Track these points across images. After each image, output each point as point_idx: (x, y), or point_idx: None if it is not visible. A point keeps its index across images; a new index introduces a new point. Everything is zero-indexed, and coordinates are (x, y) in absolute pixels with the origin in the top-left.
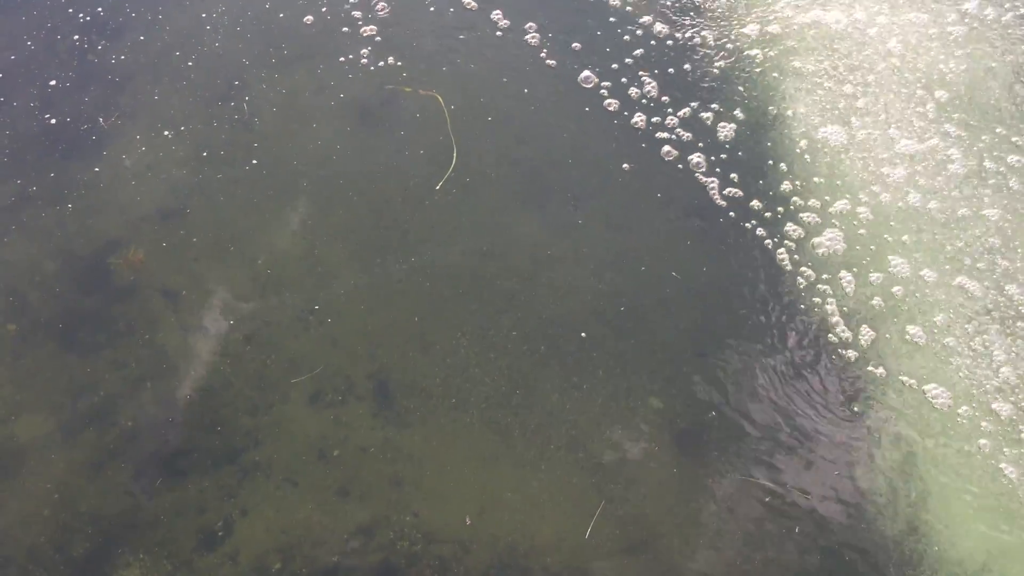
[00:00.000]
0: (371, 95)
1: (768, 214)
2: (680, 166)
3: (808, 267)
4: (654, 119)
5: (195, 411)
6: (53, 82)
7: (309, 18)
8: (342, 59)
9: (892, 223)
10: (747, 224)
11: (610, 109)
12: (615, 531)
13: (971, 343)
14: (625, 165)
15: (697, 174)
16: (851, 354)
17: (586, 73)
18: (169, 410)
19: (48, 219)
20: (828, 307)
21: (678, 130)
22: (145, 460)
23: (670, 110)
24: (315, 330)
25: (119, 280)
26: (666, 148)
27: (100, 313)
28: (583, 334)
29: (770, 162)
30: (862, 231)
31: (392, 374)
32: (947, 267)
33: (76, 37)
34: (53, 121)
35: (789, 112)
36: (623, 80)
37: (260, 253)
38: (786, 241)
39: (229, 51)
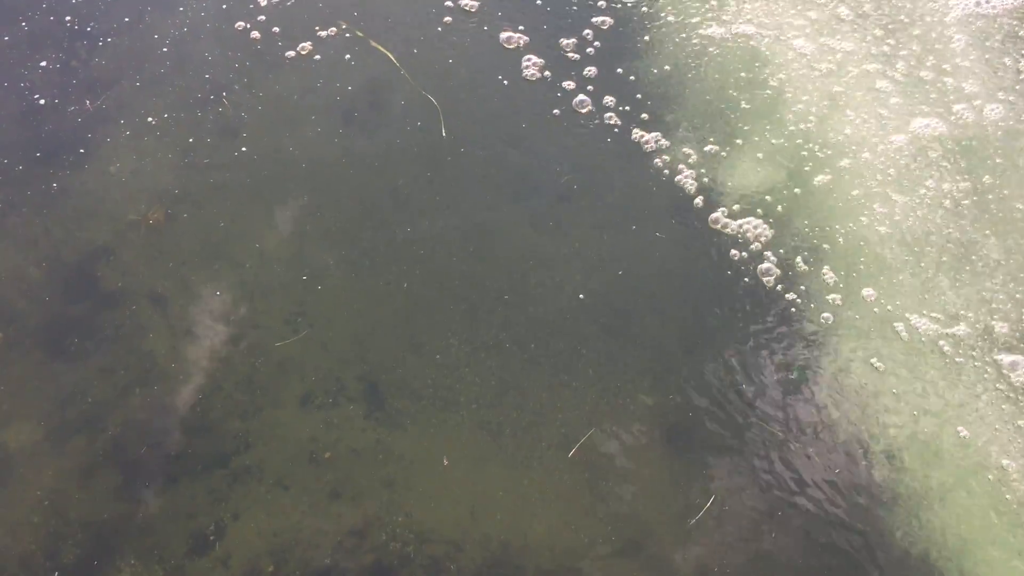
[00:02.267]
0: (357, 97)
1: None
2: (664, 167)
3: (795, 264)
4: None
5: (184, 416)
6: (44, 63)
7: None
8: (323, 60)
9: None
10: (732, 224)
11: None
12: (607, 529)
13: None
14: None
15: (679, 177)
16: (835, 339)
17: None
18: (158, 415)
19: (33, 226)
20: (816, 299)
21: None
22: (135, 466)
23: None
24: (304, 332)
25: (106, 286)
26: (654, 155)
27: (87, 320)
28: (580, 295)
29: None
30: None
31: (382, 376)
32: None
33: (68, 18)
34: (42, 101)
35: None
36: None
37: (247, 257)
38: (770, 240)
39: (214, 55)
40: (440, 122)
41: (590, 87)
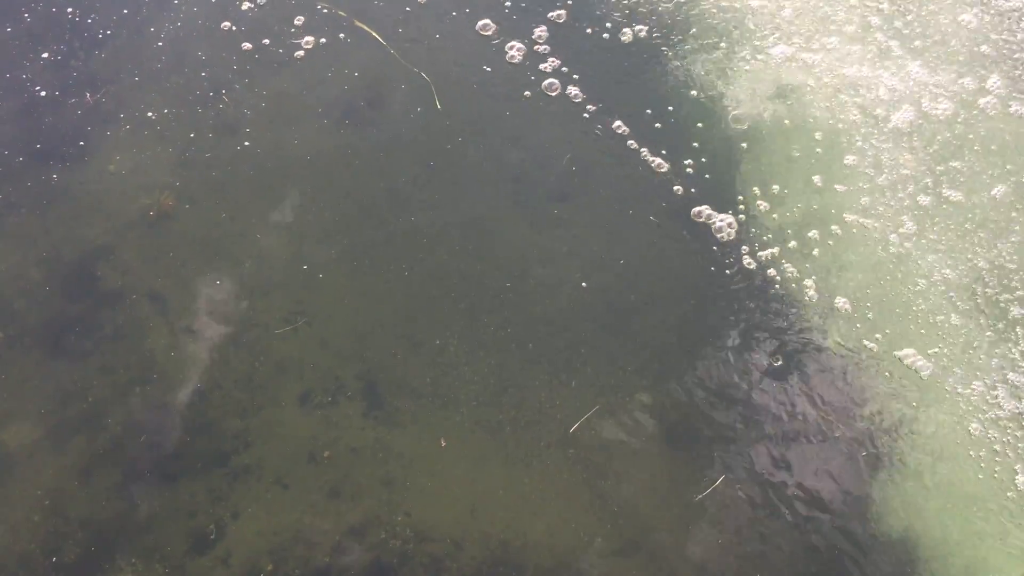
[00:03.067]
0: (356, 94)
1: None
2: (659, 167)
3: (787, 261)
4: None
5: (184, 415)
6: (46, 54)
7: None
8: (321, 55)
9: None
10: (725, 223)
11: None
12: (606, 527)
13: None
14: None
15: (672, 177)
16: (830, 337)
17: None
18: (158, 414)
19: (33, 225)
20: (808, 296)
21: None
22: (135, 464)
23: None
24: (303, 331)
25: (106, 285)
26: (644, 153)
27: (87, 319)
28: (583, 284)
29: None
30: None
31: (381, 374)
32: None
33: (69, 10)
34: (43, 93)
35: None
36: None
37: (247, 256)
38: (764, 240)
39: (212, 53)
40: (434, 96)
41: (559, 68)
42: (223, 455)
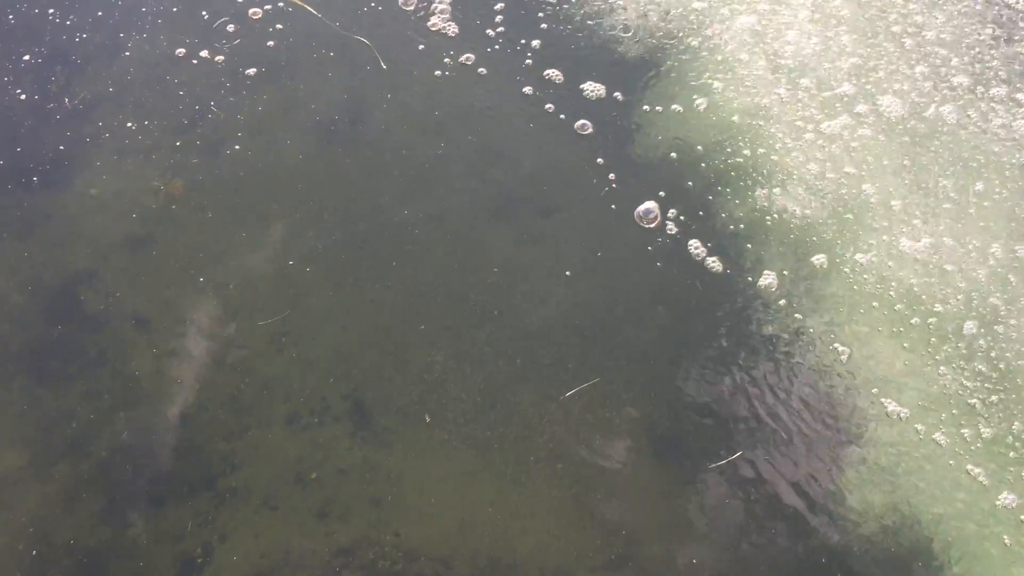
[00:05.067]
0: (340, 113)
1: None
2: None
3: (775, 271)
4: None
5: (170, 438)
6: (27, 56)
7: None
8: (308, 77)
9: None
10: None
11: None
12: (596, 542)
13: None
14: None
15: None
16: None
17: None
18: (144, 438)
19: (15, 250)
20: (797, 306)
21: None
22: (121, 490)
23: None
24: (289, 352)
25: (89, 309)
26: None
27: (71, 343)
28: (567, 272)
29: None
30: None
31: (368, 393)
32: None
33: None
34: (23, 96)
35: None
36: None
37: (231, 277)
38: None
39: (194, 75)
40: (378, 58)
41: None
42: (210, 478)
